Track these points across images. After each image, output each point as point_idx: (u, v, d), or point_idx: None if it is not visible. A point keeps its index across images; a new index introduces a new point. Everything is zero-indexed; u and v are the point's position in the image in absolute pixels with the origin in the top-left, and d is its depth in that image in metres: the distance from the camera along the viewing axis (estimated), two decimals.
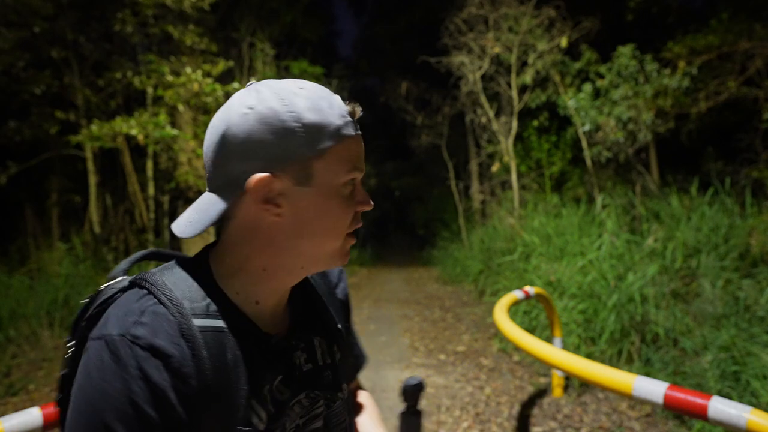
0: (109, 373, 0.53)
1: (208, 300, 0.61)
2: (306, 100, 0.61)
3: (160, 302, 0.58)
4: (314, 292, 0.77)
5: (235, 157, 0.59)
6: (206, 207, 0.61)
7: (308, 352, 0.70)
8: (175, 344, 0.55)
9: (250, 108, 0.58)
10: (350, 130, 0.63)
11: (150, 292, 0.59)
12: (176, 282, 0.61)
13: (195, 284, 0.62)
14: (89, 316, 0.61)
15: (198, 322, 0.58)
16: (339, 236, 0.64)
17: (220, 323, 0.60)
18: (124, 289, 0.62)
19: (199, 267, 0.65)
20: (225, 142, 0.59)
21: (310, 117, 0.60)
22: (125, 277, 0.67)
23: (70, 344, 0.63)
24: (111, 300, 0.62)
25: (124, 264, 0.71)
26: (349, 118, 0.63)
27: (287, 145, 0.59)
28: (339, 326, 0.77)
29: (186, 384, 0.55)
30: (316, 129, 0.60)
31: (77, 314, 0.64)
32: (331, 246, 0.64)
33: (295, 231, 0.62)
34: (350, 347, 0.85)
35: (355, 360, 0.89)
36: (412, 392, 0.81)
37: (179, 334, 0.56)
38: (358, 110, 0.65)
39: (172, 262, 0.66)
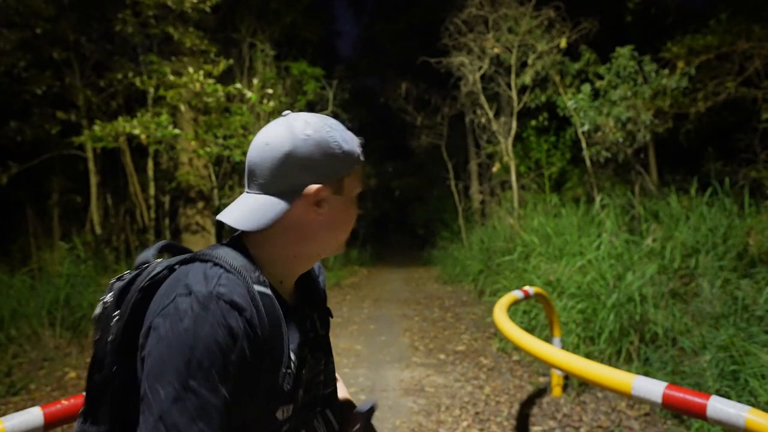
0: (199, 320, 0.65)
1: (258, 272, 0.76)
2: (340, 132, 0.82)
3: (227, 271, 0.71)
4: (312, 278, 0.95)
5: (298, 170, 0.77)
6: (266, 206, 0.76)
7: (311, 322, 0.88)
8: (247, 301, 0.69)
9: (308, 136, 0.77)
10: (362, 157, 0.85)
11: (216, 264, 0.72)
12: (234, 257, 0.75)
13: (246, 261, 0.76)
14: (142, 288, 0.73)
15: (256, 287, 0.72)
16: (347, 233, 0.86)
17: (268, 291, 0.75)
18: (171, 267, 0.75)
19: (243, 251, 0.79)
20: (290, 158, 0.76)
21: (345, 146, 0.81)
22: (160, 260, 0.80)
23: (115, 313, 0.74)
24: (158, 275, 0.74)
25: (151, 250, 0.83)
26: (359, 148, 0.85)
27: (333, 164, 0.79)
28: (327, 306, 0.96)
29: (254, 332, 0.69)
30: (349, 154, 0.81)
31: (121, 287, 0.75)
32: (344, 237, 0.86)
33: (328, 226, 0.82)
34: None
35: None
36: (366, 417, 0.91)
37: (248, 295, 0.70)
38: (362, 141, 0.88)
39: (217, 245, 0.80)
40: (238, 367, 0.67)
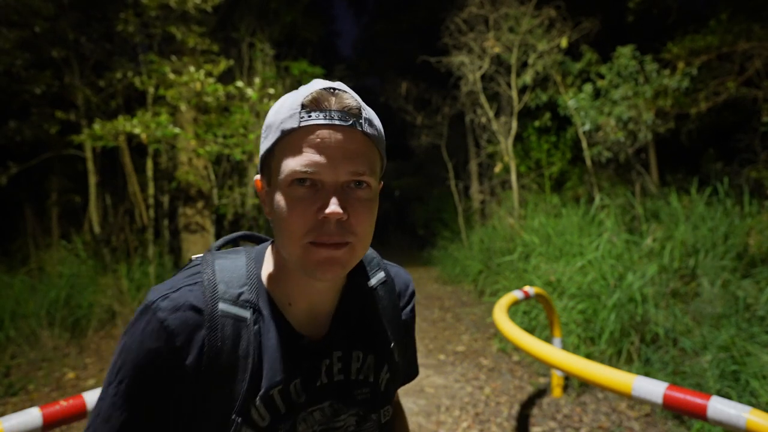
0: (130, 329, 0.61)
1: (243, 290, 0.64)
2: (279, 102, 0.64)
3: (201, 281, 0.63)
4: (374, 307, 0.75)
5: None
6: None
7: (344, 363, 0.69)
8: (187, 323, 0.60)
9: None
10: (293, 122, 0.59)
11: (199, 272, 0.65)
12: (225, 267, 0.66)
13: (241, 273, 0.65)
14: None
15: (222, 306, 0.61)
16: (293, 242, 0.60)
17: (244, 313, 0.63)
18: (193, 264, 0.69)
19: (255, 259, 0.69)
20: None
21: (268, 118, 0.63)
22: (210, 252, 0.71)
23: None
24: (181, 270, 0.69)
25: (220, 241, 0.76)
26: (298, 109, 0.59)
27: (264, 149, 0.63)
28: (392, 345, 0.75)
29: (180, 363, 0.59)
30: (268, 128, 0.63)
31: None
32: (292, 251, 0.61)
33: (274, 228, 0.65)
34: (408, 361, 0.85)
35: (406, 373, 0.87)
36: None
37: (200, 313, 0.60)
38: (329, 98, 0.59)
39: (242, 248, 0.71)
40: (156, 395, 0.59)
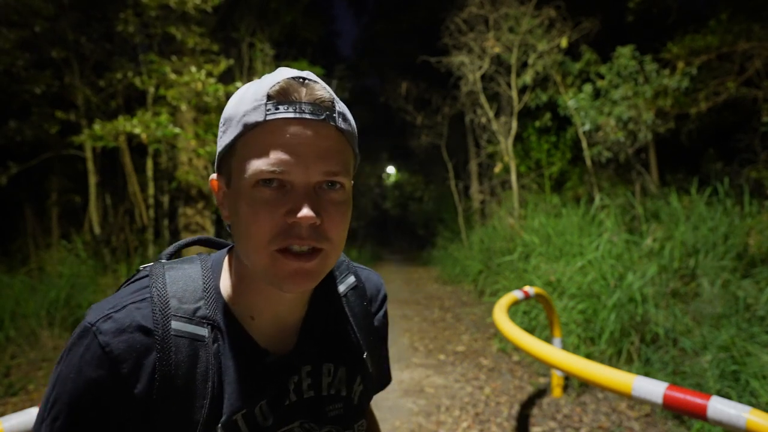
0: (69, 357, 0.53)
1: (200, 304, 0.57)
2: (240, 91, 0.57)
3: (150, 297, 0.56)
4: (343, 316, 0.69)
5: None
6: None
7: (314, 378, 0.64)
8: (135, 347, 0.52)
9: None
10: (258, 115, 0.53)
11: (147, 285, 0.57)
12: (177, 279, 0.58)
13: (196, 285, 0.58)
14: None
15: (176, 325, 0.54)
16: (258, 250, 0.53)
17: (201, 331, 0.56)
18: (140, 276, 0.61)
19: (211, 268, 0.62)
20: None
21: (227, 109, 0.56)
22: (160, 261, 0.64)
23: None
24: (125, 283, 0.61)
25: (171, 248, 0.68)
26: (263, 101, 0.53)
27: (219, 145, 0.57)
28: (365, 356, 0.69)
29: (127, 391, 0.52)
30: (228, 121, 0.55)
31: None
32: (256, 261, 0.54)
33: (234, 234, 0.57)
34: (379, 370, 0.78)
35: (378, 379, 0.80)
36: None
37: (149, 335, 0.53)
38: (298, 89, 0.53)
39: (196, 256, 0.64)
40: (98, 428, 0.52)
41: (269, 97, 0.53)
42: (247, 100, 0.54)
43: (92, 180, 7.42)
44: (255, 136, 0.53)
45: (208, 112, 7.06)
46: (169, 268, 0.60)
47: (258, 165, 0.52)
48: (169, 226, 8.17)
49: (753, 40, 6.52)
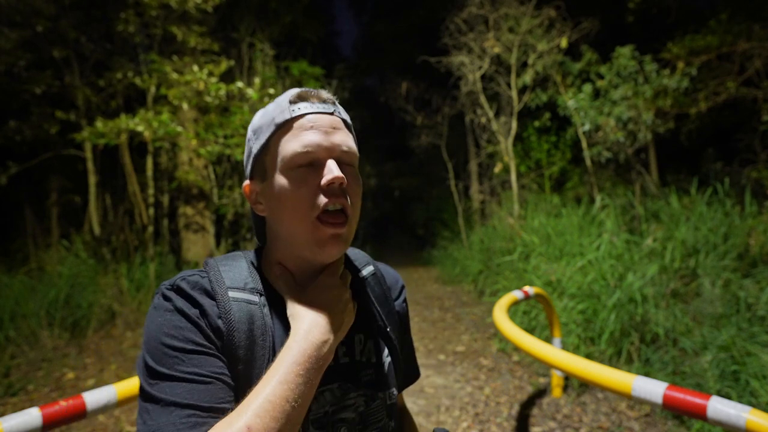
0: (153, 312, 0.64)
1: (248, 280, 0.70)
2: (262, 110, 0.73)
3: (207, 277, 0.68)
4: (366, 296, 0.81)
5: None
6: None
7: (347, 346, 0.74)
8: (204, 300, 0.65)
9: None
10: (285, 115, 0.69)
11: (204, 270, 0.70)
12: (228, 265, 0.72)
13: (242, 269, 0.72)
14: None
15: (232, 293, 0.67)
16: (303, 219, 0.67)
17: (253, 297, 0.68)
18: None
19: (251, 259, 0.76)
20: None
21: (255, 123, 0.73)
22: (210, 257, 0.77)
23: None
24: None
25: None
26: (287, 105, 0.70)
27: (249, 155, 0.73)
28: (389, 329, 0.80)
29: (210, 325, 0.63)
30: (258, 129, 0.72)
31: None
32: (300, 231, 0.68)
33: (274, 220, 0.71)
34: (406, 359, 0.88)
35: (406, 373, 0.91)
36: None
37: (211, 297, 0.65)
38: (310, 94, 0.71)
39: (238, 252, 0.78)
40: (201, 348, 0.61)
41: (291, 102, 0.70)
42: (273, 110, 0.71)
43: (92, 180, 7.41)
44: (286, 129, 0.69)
45: (208, 112, 7.06)
46: (219, 261, 0.73)
47: (293, 147, 0.67)
48: (169, 225, 8.16)
49: (753, 40, 6.52)
